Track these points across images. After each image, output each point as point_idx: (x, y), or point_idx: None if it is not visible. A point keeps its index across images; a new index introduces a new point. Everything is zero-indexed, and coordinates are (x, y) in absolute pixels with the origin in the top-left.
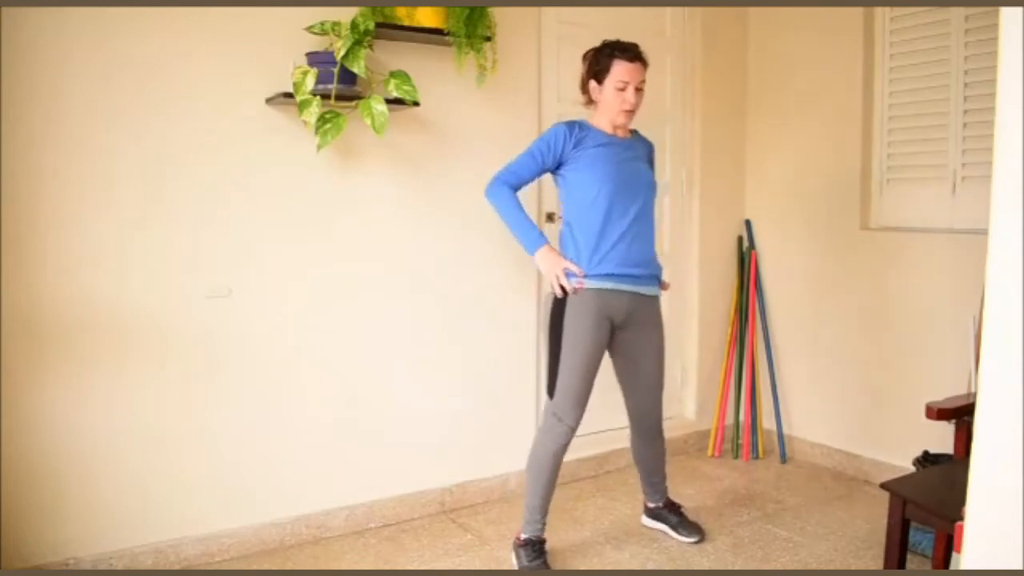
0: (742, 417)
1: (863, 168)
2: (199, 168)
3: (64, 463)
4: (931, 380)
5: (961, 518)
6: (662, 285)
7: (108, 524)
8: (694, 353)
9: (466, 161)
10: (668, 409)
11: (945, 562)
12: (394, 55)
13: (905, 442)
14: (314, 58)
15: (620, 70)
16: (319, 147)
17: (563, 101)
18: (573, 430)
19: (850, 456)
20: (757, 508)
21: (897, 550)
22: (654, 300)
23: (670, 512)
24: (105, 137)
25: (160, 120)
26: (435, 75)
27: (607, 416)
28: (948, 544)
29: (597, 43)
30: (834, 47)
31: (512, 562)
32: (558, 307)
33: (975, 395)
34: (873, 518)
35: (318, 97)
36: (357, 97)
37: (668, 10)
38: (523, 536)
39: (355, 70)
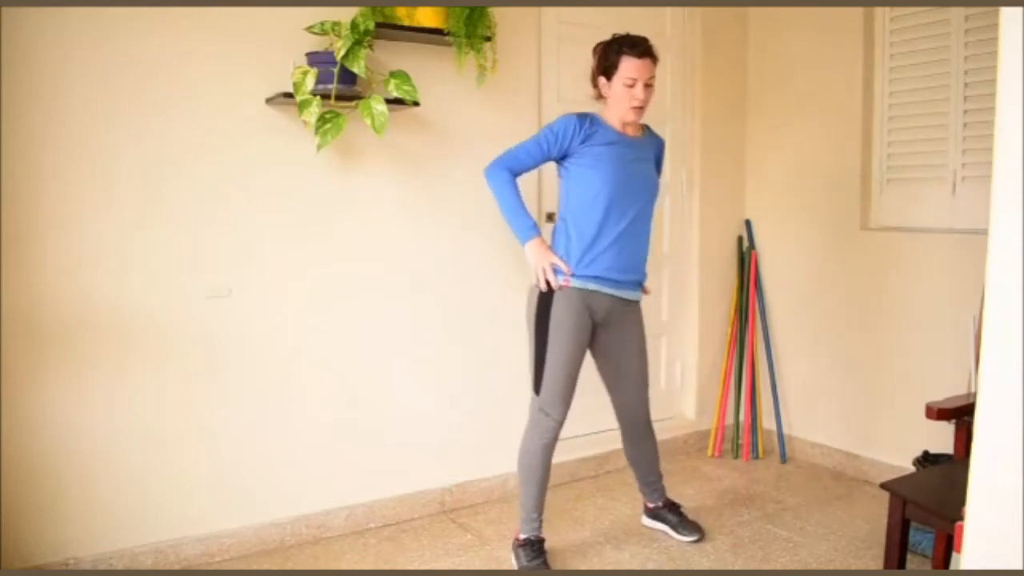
0: (742, 417)
1: (863, 168)
2: (199, 168)
3: (64, 463)
4: (931, 380)
5: (961, 518)
6: (644, 289)
7: (108, 524)
8: (694, 353)
9: (466, 161)
10: (668, 409)
11: (945, 562)
12: (394, 55)
13: (905, 442)
14: (314, 58)
15: (628, 66)
16: (319, 147)
17: (563, 101)
18: (560, 424)
19: (850, 456)
20: (757, 508)
21: (897, 550)
22: (635, 303)
23: (670, 512)
24: (105, 137)
25: (160, 120)
26: (435, 75)
27: (607, 416)
28: (948, 544)
29: (597, 43)
30: (834, 47)
31: (512, 562)
32: (543, 304)
33: (975, 395)
34: (873, 518)
35: (318, 97)
36: (357, 97)
37: (668, 10)
38: (522, 536)
39: (355, 70)
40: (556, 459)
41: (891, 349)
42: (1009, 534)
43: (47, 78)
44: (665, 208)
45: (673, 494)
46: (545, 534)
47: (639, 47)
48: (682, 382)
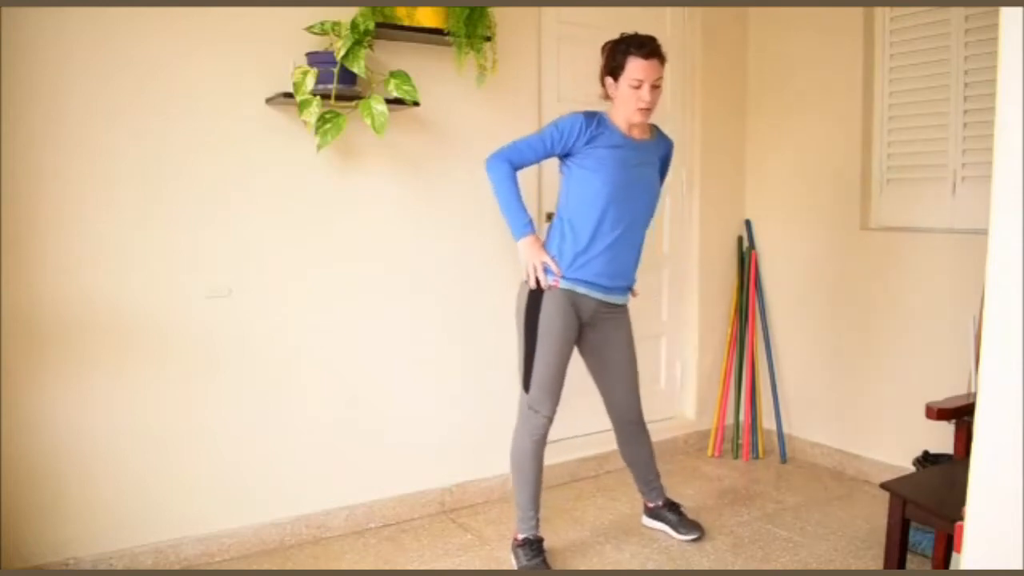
0: (742, 417)
1: (863, 168)
2: (199, 168)
3: (64, 463)
4: (931, 380)
5: (961, 518)
6: (632, 292)
7: (108, 524)
8: (694, 353)
9: (466, 161)
10: (668, 409)
11: (945, 562)
12: (394, 55)
13: (905, 442)
14: (314, 58)
15: (635, 67)
16: (319, 147)
17: (563, 101)
18: (550, 420)
19: (850, 456)
20: (757, 508)
21: (897, 550)
22: (622, 306)
23: (669, 511)
24: (105, 137)
25: (160, 120)
26: (435, 75)
27: (607, 416)
28: (948, 544)
29: (597, 43)
30: (834, 47)
31: (511, 563)
32: (532, 303)
33: (975, 395)
34: (873, 518)
35: (318, 97)
36: (357, 97)
37: (668, 10)
38: (520, 536)
39: (355, 70)
40: (556, 459)
41: (891, 349)
42: (1009, 534)
43: (47, 78)
44: (665, 208)
45: (673, 494)
46: (545, 534)
47: (646, 47)
48: (682, 382)
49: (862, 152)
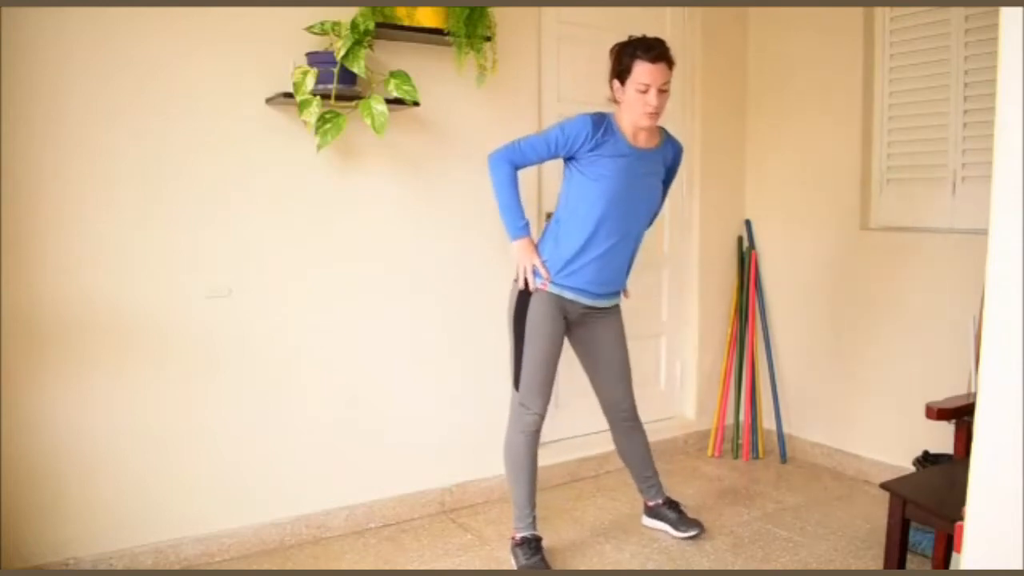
0: (742, 417)
1: (863, 168)
2: (199, 168)
3: (64, 463)
4: (931, 380)
5: (961, 518)
6: (624, 293)
7: (108, 524)
8: (694, 353)
9: (466, 161)
10: (668, 409)
11: (945, 562)
12: (394, 55)
13: (905, 442)
14: (314, 58)
15: (642, 71)
16: (319, 147)
17: (563, 101)
18: (541, 417)
19: (850, 456)
20: (757, 508)
21: (897, 550)
22: (612, 307)
23: (669, 509)
24: (105, 137)
25: (160, 120)
26: (435, 75)
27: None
28: (948, 544)
29: (597, 43)
30: (834, 47)
31: (511, 563)
32: (520, 303)
33: (975, 395)
34: (873, 518)
35: (318, 97)
36: (357, 97)
37: (668, 10)
38: (518, 536)
39: (355, 70)
40: (556, 459)
41: (891, 349)
42: (1009, 534)
43: (47, 78)
44: (665, 208)
45: (673, 494)
46: (545, 534)
47: (653, 51)
48: (682, 382)
49: (862, 152)
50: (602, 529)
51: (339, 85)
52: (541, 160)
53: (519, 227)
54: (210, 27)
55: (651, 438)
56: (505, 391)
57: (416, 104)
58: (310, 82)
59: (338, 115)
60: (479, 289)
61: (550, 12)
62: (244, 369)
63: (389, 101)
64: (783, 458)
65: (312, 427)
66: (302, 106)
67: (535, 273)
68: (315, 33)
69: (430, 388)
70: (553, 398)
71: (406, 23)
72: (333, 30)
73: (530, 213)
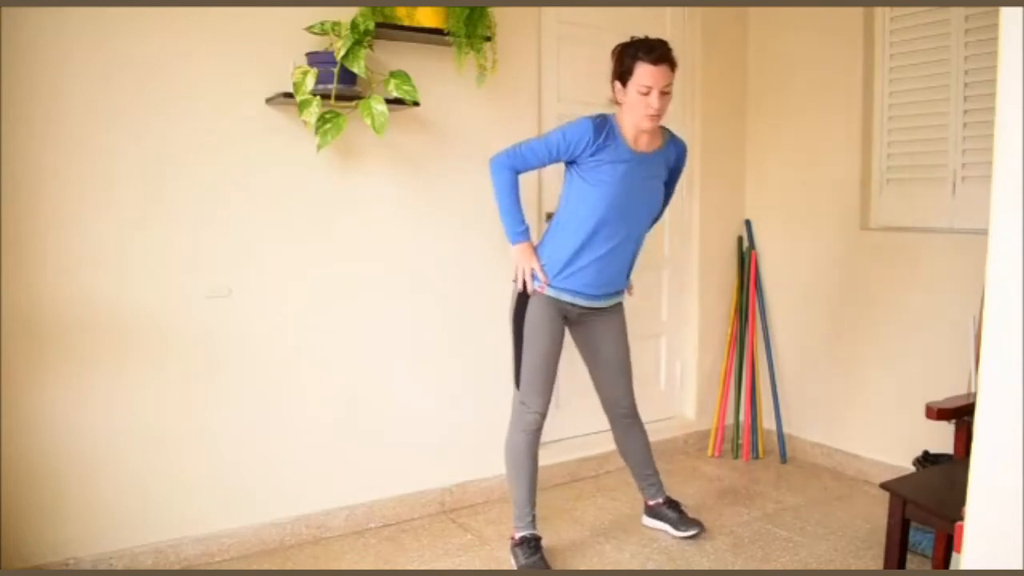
0: (742, 417)
1: (863, 168)
2: (199, 168)
3: (64, 463)
4: (931, 380)
5: (961, 518)
6: (628, 290)
7: (108, 524)
8: (694, 353)
9: (466, 161)
10: (668, 409)
11: (945, 562)
12: (394, 55)
13: (905, 442)
14: (314, 58)
15: (643, 73)
16: (319, 147)
17: (563, 101)
18: (542, 416)
19: (850, 456)
20: (757, 508)
21: (897, 550)
22: (613, 306)
23: (670, 508)
24: (105, 137)
25: (160, 120)
26: (435, 75)
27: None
28: (948, 544)
29: (597, 43)
30: (834, 47)
31: (511, 563)
32: (520, 303)
33: (975, 395)
34: (873, 518)
35: (318, 97)
36: (357, 97)
37: (668, 10)
38: (517, 535)
39: (355, 70)
40: (556, 459)
41: (891, 349)
42: (1009, 534)
43: (47, 78)
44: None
45: (673, 494)
46: (545, 534)
47: (655, 52)
48: (682, 382)
49: (862, 152)
50: (602, 529)
51: (339, 85)
52: (542, 165)
53: (518, 232)
54: (210, 27)
55: (651, 438)
56: (505, 391)
57: (416, 104)
58: (310, 82)
59: (338, 115)
60: (479, 289)
61: (550, 12)
62: (244, 369)
63: (389, 101)
64: (783, 458)
65: (312, 427)
66: (302, 106)
67: (533, 276)
68: (315, 33)
69: (430, 388)
70: (553, 398)
71: (406, 23)
72: (333, 30)
73: (530, 214)
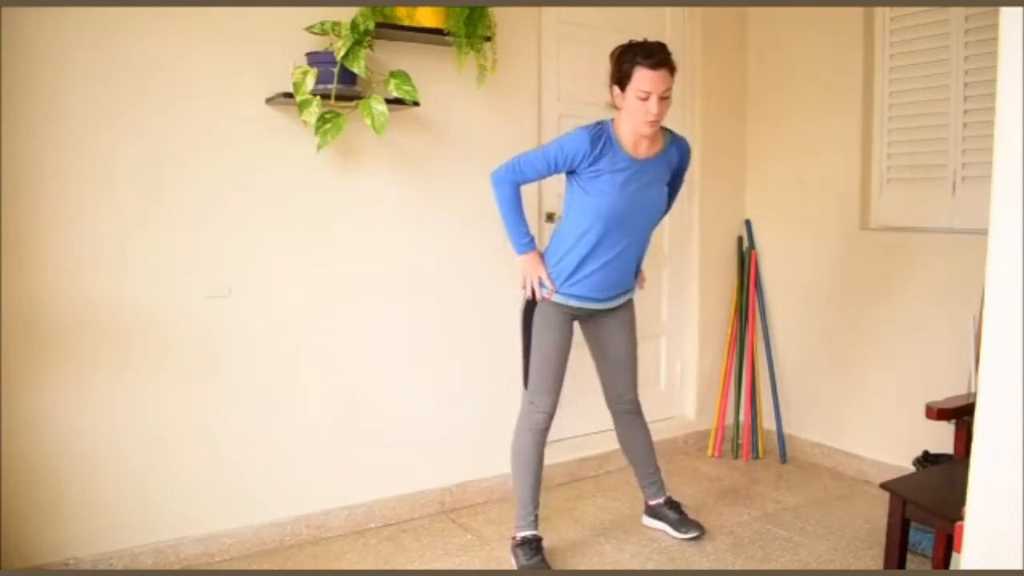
0: (742, 417)
1: (863, 168)
2: (199, 168)
3: (64, 463)
4: (931, 380)
5: (961, 518)
6: (639, 283)
7: (108, 524)
8: (694, 353)
9: (466, 161)
10: (668, 409)
11: (945, 562)
12: (394, 55)
13: (905, 442)
14: (314, 58)
15: (642, 78)
16: (319, 147)
17: (563, 101)
18: (549, 415)
19: (850, 456)
20: (757, 508)
21: (897, 550)
22: (622, 304)
23: (670, 509)
24: (105, 137)
25: (160, 120)
26: (435, 75)
27: (608, 416)
28: (948, 544)
29: (597, 43)
30: (834, 47)
31: (511, 563)
32: (528, 308)
33: (975, 395)
34: (873, 518)
35: (318, 97)
36: (357, 97)
37: (668, 10)
38: (519, 535)
39: (355, 70)
40: (556, 459)
41: (891, 349)
42: (1009, 534)
43: (47, 78)
44: None
45: (673, 494)
46: (545, 533)
47: (654, 57)
48: (682, 382)
49: (862, 152)
50: (602, 529)
51: (339, 85)
52: (541, 177)
53: (524, 244)
54: (210, 27)
55: (651, 437)
56: (505, 391)
57: (416, 104)
58: (310, 82)
59: (338, 115)
60: (479, 289)
61: (550, 12)
62: (244, 369)
63: (389, 101)
64: (783, 458)
65: (312, 427)
66: (302, 106)
67: (541, 284)
68: (315, 33)
69: (430, 388)
70: None
71: (406, 23)
72: (333, 30)
73: (530, 214)
